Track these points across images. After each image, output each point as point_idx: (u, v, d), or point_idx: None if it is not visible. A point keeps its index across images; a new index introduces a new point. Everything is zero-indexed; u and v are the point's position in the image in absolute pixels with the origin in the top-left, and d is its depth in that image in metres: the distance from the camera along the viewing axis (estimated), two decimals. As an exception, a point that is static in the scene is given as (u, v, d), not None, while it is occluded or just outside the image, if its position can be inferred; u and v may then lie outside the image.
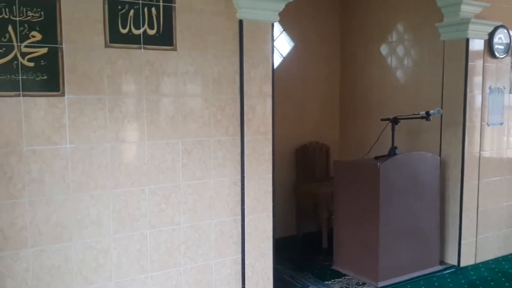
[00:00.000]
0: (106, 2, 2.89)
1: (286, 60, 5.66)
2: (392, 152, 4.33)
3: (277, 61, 5.58)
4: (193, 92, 3.24)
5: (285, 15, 3.72)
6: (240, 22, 3.35)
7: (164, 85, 3.13)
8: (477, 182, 4.63)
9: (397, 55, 5.29)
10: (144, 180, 3.11)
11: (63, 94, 2.79)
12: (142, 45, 3.03)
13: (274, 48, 5.34)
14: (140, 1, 3.00)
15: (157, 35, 3.08)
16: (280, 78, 5.30)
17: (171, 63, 3.14)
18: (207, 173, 3.35)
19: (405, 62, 5.21)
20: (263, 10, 3.39)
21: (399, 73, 5.29)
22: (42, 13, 2.72)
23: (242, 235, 3.51)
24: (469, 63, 4.43)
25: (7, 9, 2.62)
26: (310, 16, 5.75)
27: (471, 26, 4.33)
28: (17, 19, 2.65)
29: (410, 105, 4.88)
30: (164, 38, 3.10)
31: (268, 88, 3.54)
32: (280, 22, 5.21)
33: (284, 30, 5.62)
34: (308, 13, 5.69)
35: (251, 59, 3.42)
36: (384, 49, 5.45)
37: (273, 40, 3.54)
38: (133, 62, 3.00)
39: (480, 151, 4.64)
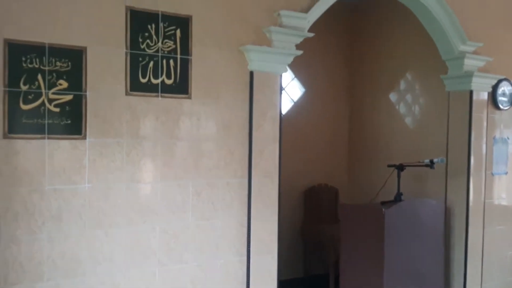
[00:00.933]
0: (129, 54, 3.15)
1: (296, 104, 5.89)
2: (398, 198, 4.44)
3: (288, 106, 5.81)
4: (205, 136, 3.45)
5: (297, 62, 3.94)
6: (251, 73, 3.58)
7: (178, 130, 3.35)
8: (481, 230, 4.70)
9: (405, 102, 5.48)
10: (156, 218, 3.28)
11: (84, 137, 3.02)
12: (159, 94, 3.27)
13: (285, 94, 5.58)
14: (160, 54, 3.26)
15: (174, 84, 3.32)
16: (290, 122, 5.53)
17: (186, 110, 3.37)
18: (215, 213, 3.51)
19: (413, 109, 5.40)
20: (273, 62, 3.62)
21: (407, 120, 5.46)
22: (69, 63, 2.98)
23: (247, 276, 3.62)
24: (473, 114, 4.59)
25: (37, 59, 2.88)
26: (320, 64, 6.01)
27: (474, 79, 4.51)
28: (46, 68, 2.91)
29: (416, 151, 5.02)
30: (180, 87, 3.34)
31: (275, 134, 3.73)
32: (292, 69, 5.49)
33: (295, 76, 5.87)
34: (318, 61, 5.95)
35: (260, 107, 3.63)
36: (392, 97, 5.65)
37: (281, 90, 3.76)
38: (151, 108, 3.23)
39: (484, 199, 4.72)
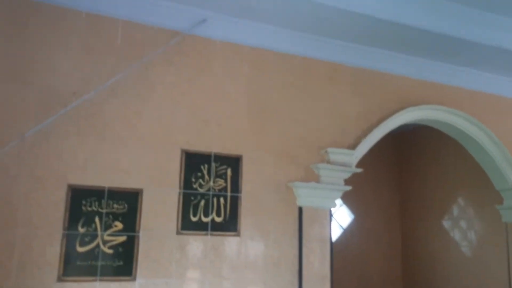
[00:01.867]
0: (181, 193, 3.26)
1: (346, 231, 5.75)
2: None
3: (337, 232, 5.68)
4: (253, 275, 3.37)
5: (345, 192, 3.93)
6: (300, 208, 3.59)
7: (227, 268, 3.30)
8: None
9: (459, 229, 5.24)
10: None
11: (134, 279, 3.02)
12: (209, 231, 3.30)
13: (334, 220, 5.48)
14: (211, 193, 3.36)
15: (223, 222, 3.36)
16: (340, 250, 5.35)
17: (234, 248, 3.35)
18: None
19: (468, 236, 5.13)
20: (321, 198, 3.63)
21: (463, 248, 5.16)
22: (126, 205, 3.11)
23: None
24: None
25: (96, 202, 3.03)
26: (369, 191, 5.97)
27: (533, 208, 4.30)
28: (104, 211, 3.04)
29: (476, 284, 4.66)
30: (230, 224, 3.37)
31: (326, 271, 3.60)
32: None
33: (344, 203, 5.82)
34: (367, 188, 5.92)
35: (309, 243, 3.57)
36: (446, 223, 5.43)
37: (331, 224, 3.70)
38: (200, 247, 3.25)
39: None
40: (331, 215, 3.71)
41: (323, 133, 3.80)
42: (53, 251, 2.86)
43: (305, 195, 3.57)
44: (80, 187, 2.99)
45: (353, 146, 3.81)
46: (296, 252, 3.55)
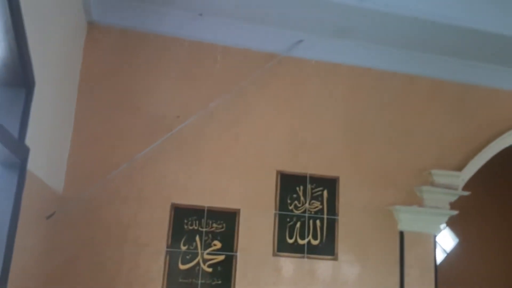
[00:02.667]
0: (277, 215, 3.27)
1: (450, 256, 5.37)
2: None
3: (440, 257, 5.32)
4: (352, 301, 3.26)
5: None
6: (401, 233, 3.42)
7: (324, 293, 3.23)
8: None
9: None
10: None
11: (232, 299, 3.07)
12: (305, 254, 3.26)
13: (437, 244, 5.15)
14: (307, 214, 3.32)
15: (320, 245, 3.30)
16: (444, 276, 4.98)
17: (332, 272, 3.27)
18: None
19: None
20: (425, 222, 3.42)
21: None
22: (224, 224, 3.18)
23: None
24: None
25: (197, 221, 3.14)
26: (476, 213, 5.51)
27: None
28: (204, 230, 3.14)
29: None
30: (326, 248, 3.30)
31: (431, 302, 3.37)
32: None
33: (446, 225, 5.44)
34: (473, 210, 5.47)
35: (412, 270, 3.37)
36: None
37: (435, 251, 3.47)
38: (296, 270, 3.21)
39: None
40: (435, 241, 3.48)
41: (423, 155, 3.60)
42: (158, 268, 3.00)
43: (407, 220, 3.39)
44: (183, 206, 3.12)
45: (458, 168, 3.55)
46: (396, 279, 3.37)
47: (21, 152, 1.89)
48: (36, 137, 2.09)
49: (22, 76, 1.85)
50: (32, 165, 2.08)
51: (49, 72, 2.28)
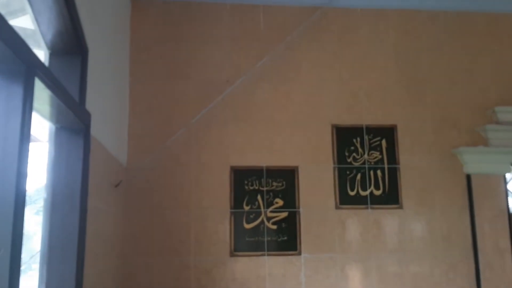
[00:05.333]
0: (336, 169, 3.24)
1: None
2: None
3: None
4: (420, 249, 3.19)
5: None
6: (468, 176, 3.28)
7: (392, 242, 3.18)
8: None
9: None
10: None
11: (300, 253, 3.10)
12: (369, 205, 3.22)
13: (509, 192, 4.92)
14: (366, 166, 3.27)
15: (383, 195, 3.24)
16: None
17: (398, 221, 3.21)
18: (442, 339, 3.09)
19: None
20: (492, 163, 3.27)
21: None
22: (284, 182, 3.20)
23: None
24: None
25: (257, 181, 3.18)
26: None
27: None
28: (264, 189, 3.18)
29: None
30: (390, 197, 3.24)
31: (506, 243, 3.24)
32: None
33: (518, 172, 5.16)
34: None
35: (483, 213, 3.25)
36: None
37: (507, 192, 3.32)
38: (361, 221, 3.19)
39: None
40: (506, 182, 3.32)
41: (487, 92, 3.42)
42: (224, 229, 3.08)
43: (473, 161, 3.25)
44: (241, 168, 3.16)
45: (525, 103, 3.35)
46: (467, 224, 3.26)
47: (83, 117, 1.99)
48: (95, 104, 2.19)
49: (76, 43, 1.93)
50: (96, 132, 2.19)
51: (101, 41, 2.37)
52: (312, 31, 3.36)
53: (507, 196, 3.31)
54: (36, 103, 1.70)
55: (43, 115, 1.86)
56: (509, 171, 3.31)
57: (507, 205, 3.30)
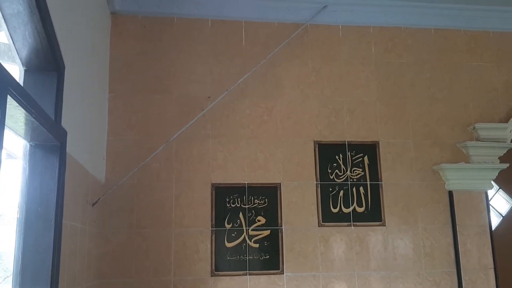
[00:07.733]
0: (319, 185, 3.22)
1: (507, 220, 5.12)
2: None
3: (496, 221, 5.09)
4: (404, 266, 3.17)
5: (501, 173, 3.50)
6: (450, 193, 3.29)
7: (374, 260, 3.16)
8: None
9: None
10: None
11: (282, 272, 3.05)
12: (352, 223, 3.19)
13: (491, 208, 4.95)
14: (349, 182, 3.25)
15: (365, 212, 3.22)
16: (501, 242, 4.78)
17: (381, 238, 3.19)
18: None
19: None
20: (474, 179, 3.28)
21: None
22: (266, 200, 3.16)
23: None
24: None
25: (239, 199, 3.13)
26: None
27: None
28: (246, 206, 3.13)
29: None
30: (373, 214, 3.22)
31: (488, 260, 3.25)
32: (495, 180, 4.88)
33: (500, 188, 5.20)
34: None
35: (465, 229, 3.25)
36: None
37: (489, 208, 3.33)
38: (344, 239, 3.16)
39: None
40: (487, 198, 3.33)
41: (467, 109, 3.45)
42: (205, 248, 3.02)
43: (455, 178, 3.26)
44: (223, 185, 3.12)
45: (505, 119, 3.38)
46: (450, 240, 3.25)
47: (59, 134, 1.93)
48: (72, 121, 2.13)
49: (51, 60, 1.88)
50: (72, 149, 2.13)
51: (78, 57, 2.32)
52: (294, 48, 3.36)
53: (489, 212, 3.32)
54: (9, 121, 1.65)
55: (17, 132, 1.80)
56: (490, 188, 3.33)
57: (489, 222, 3.31)
